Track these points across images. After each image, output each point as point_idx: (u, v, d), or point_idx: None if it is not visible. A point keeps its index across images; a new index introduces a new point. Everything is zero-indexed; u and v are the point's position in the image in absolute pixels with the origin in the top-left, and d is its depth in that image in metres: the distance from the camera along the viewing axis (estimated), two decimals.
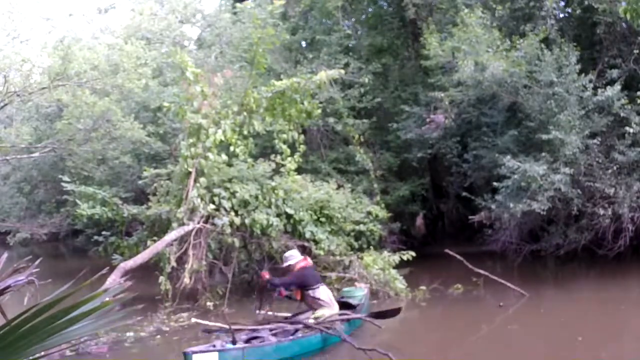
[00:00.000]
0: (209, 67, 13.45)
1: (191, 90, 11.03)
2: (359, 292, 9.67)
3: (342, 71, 12.60)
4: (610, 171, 11.59)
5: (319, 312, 8.21)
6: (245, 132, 11.37)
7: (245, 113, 11.36)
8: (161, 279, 10.18)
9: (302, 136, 12.28)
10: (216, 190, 10.66)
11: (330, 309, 8.29)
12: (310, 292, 8.29)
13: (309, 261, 8.82)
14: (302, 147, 12.16)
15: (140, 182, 13.74)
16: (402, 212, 15.48)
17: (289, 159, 11.87)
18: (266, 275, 8.52)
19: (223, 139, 10.95)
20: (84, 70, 14.55)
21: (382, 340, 9.17)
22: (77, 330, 2.04)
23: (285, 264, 8.65)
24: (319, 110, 12.35)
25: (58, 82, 14.67)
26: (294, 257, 8.61)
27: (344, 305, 9.06)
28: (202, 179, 10.64)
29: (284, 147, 11.89)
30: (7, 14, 16.67)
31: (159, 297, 10.32)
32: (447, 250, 10.93)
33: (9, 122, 19.98)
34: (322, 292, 8.39)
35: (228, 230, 10.50)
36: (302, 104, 11.72)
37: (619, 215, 11.49)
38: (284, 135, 11.85)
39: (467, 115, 14.01)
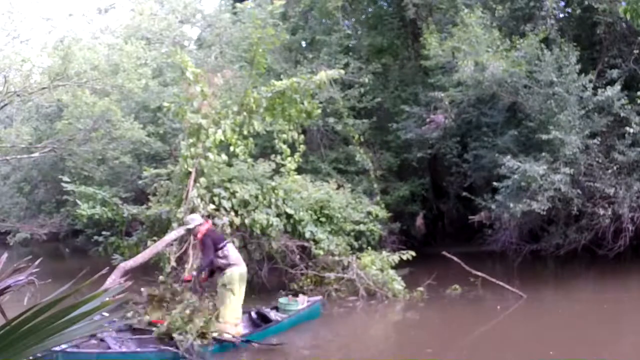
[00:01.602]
0: (209, 67, 13.44)
1: (191, 90, 11.02)
2: (293, 306, 9.13)
3: (342, 71, 12.59)
4: (610, 171, 11.60)
5: (227, 273, 7.99)
6: (245, 132, 11.36)
7: (245, 113, 11.35)
8: (161, 279, 10.17)
9: (302, 136, 12.27)
10: (216, 190, 10.66)
11: (238, 268, 8.05)
12: (220, 252, 8.12)
13: (209, 224, 8.77)
14: (302, 147, 12.15)
15: (140, 182, 13.73)
16: (402, 212, 15.48)
17: (289, 159, 11.86)
18: (188, 277, 8.49)
19: (223, 139, 10.95)
20: (84, 70, 14.53)
21: (381, 341, 9.19)
22: (77, 330, 2.05)
23: (187, 228, 8.65)
24: (319, 110, 12.33)
25: (58, 82, 14.66)
26: (196, 220, 8.51)
27: (261, 317, 8.77)
28: (202, 179, 10.64)
29: (284, 147, 11.88)
30: (7, 14, 16.66)
31: None
32: (444, 253, 10.93)
33: (9, 122, 19.95)
34: (231, 249, 8.26)
35: (228, 230, 10.49)
36: (302, 104, 11.71)
37: (619, 215, 11.50)
38: (284, 135, 11.84)
39: (467, 115, 14.02)
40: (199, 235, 8.40)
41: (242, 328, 8.22)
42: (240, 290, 8.11)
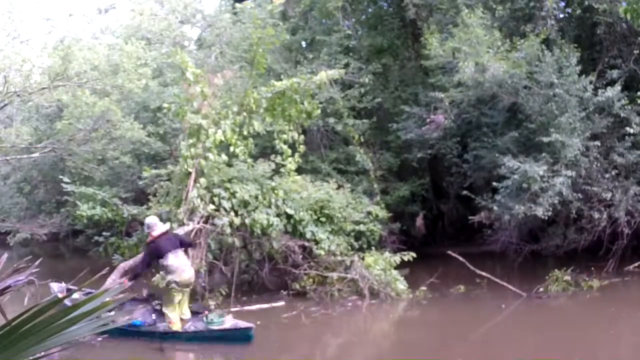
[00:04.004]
0: (209, 67, 13.45)
1: (191, 91, 11.03)
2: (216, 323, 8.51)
3: (342, 71, 12.59)
4: (608, 175, 11.59)
5: (168, 278, 8.26)
6: (245, 133, 11.37)
7: (245, 113, 11.36)
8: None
9: (302, 136, 12.27)
10: (216, 191, 10.66)
11: (178, 276, 8.17)
12: (160, 262, 8.31)
13: (162, 230, 8.56)
14: (302, 148, 12.15)
15: (140, 182, 13.72)
16: (402, 212, 15.47)
17: (289, 159, 11.86)
18: (127, 282, 8.40)
19: (223, 139, 10.95)
20: (84, 70, 14.51)
21: (383, 341, 9.19)
22: (77, 331, 2.04)
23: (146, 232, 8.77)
24: (319, 111, 12.33)
25: (58, 82, 14.64)
26: (151, 227, 8.48)
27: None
28: (202, 180, 10.64)
29: (284, 147, 11.88)
30: (7, 14, 16.63)
31: None
32: (449, 252, 10.96)
33: (9, 122, 19.89)
34: (172, 259, 8.22)
35: (228, 230, 10.50)
36: (302, 104, 11.71)
37: (615, 219, 11.50)
38: (284, 136, 11.85)
39: (467, 115, 14.00)
40: (147, 240, 8.57)
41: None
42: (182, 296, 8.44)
